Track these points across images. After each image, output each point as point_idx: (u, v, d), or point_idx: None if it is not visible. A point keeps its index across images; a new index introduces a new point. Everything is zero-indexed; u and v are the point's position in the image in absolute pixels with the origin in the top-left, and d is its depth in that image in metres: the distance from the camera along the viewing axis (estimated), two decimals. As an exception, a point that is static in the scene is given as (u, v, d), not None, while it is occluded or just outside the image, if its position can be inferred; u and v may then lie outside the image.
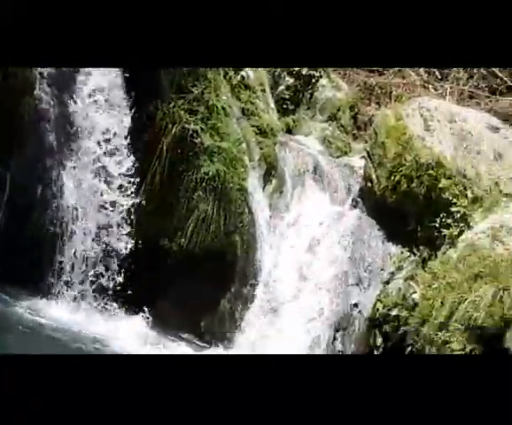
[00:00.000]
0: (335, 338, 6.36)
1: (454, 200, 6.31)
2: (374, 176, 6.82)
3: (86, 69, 5.80)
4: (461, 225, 6.20)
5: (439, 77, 9.28)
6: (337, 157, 7.59)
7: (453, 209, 6.27)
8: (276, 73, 7.88)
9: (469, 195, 6.34)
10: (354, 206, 6.94)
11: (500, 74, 9.08)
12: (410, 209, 6.58)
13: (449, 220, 6.28)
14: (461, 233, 6.15)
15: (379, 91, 8.77)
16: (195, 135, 6.03)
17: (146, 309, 5.79)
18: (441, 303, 5.62)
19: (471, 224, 6.14)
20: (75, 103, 5.66)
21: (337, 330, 6.40)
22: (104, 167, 5.79)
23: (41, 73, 5.48)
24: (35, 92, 5.43)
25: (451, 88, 8.98)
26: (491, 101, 8.91)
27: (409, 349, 5.93)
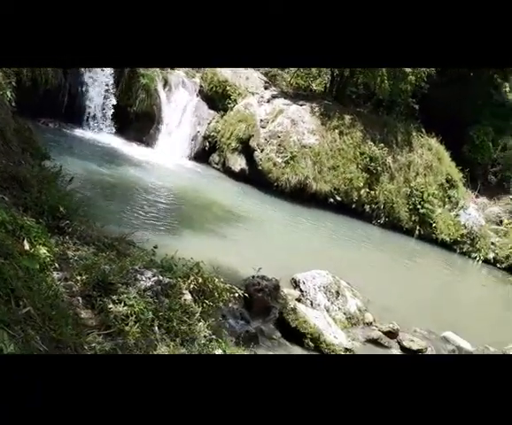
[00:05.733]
0: (192, 140, 16.33)
1: (232, 94, 16.72)
2: (203, 85, 16.81)
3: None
4: (234, 103, 16.62)
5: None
6: (192, 78, 17.23)
7: (231, 97, 16.66)
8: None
9: (237, 92, 16.77)
10: (197, 96, 16.82)
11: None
12: (216, 97, 16.73)
13: (230, 101, 16.62)
14: (234, 104, 16.60)
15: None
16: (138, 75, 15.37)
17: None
18: (229, 130, 16.15)
19: (237, 101, 16.62)
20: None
21: (192, 139, 16.40)
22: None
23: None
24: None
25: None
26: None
27: (216, 148, 16.41)
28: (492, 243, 16.45)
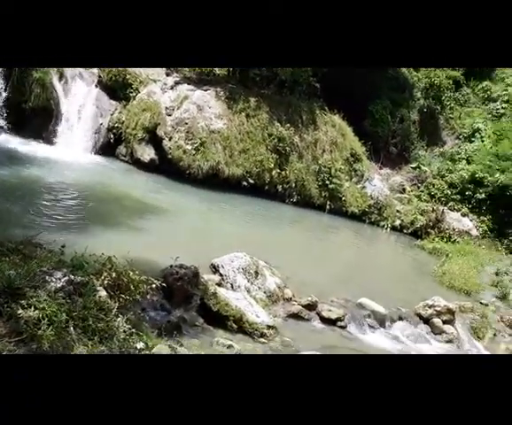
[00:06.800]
0: (95, 133, 15.72)
1: (133, 83, 16.25)
2: (102, 75, 16.10)
3: None
4: (136, 92, 16.20)
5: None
6: (89, 68, 16.49)
7: (133, 86, 16.20)
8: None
9: (138, 80, 16.33)
10: (96, 86, 16.11)
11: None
12: (116, 87, 16.06)
13: (132, 90, 16.19)
14: (136, 93, 16.15)
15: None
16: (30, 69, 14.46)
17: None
18: (133, 120, 15.70)
19: (139, 90, 16.22)
20: None
21: (95, 132, 15.78)
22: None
23: None
24: None
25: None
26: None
27: (122, 140, 15.90)
28: (398, 211, 17.48)
